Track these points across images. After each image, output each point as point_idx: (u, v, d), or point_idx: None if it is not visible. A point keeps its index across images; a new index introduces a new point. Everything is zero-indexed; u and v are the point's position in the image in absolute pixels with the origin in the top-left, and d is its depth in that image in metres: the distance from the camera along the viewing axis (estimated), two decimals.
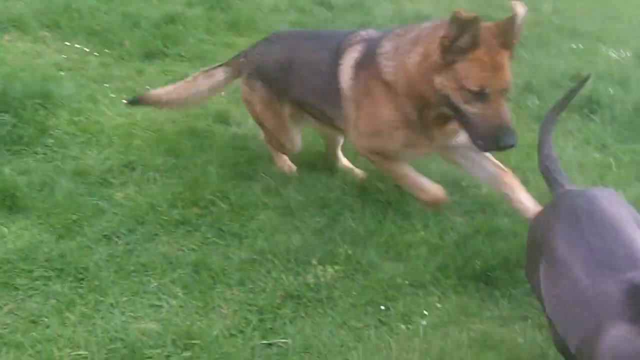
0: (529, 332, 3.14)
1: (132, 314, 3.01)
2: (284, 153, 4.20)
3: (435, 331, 3.11)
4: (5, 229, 3.39)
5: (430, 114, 3.45)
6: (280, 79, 3.92)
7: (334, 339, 3.01)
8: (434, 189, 3.75)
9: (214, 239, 3.58)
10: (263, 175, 4.12)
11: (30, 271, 3.15)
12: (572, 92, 3.45)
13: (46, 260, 3.21)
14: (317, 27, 6.24)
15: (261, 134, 4.29)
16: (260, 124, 4.15)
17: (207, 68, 4.31)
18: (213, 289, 3.23)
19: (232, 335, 2.98)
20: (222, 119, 4.67)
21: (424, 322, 3.16)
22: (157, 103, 4.31)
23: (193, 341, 2.89)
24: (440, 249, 3.67)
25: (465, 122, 3.30)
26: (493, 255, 3.54)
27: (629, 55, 6.71)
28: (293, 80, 3.88)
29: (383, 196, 4.02)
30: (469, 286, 3.41)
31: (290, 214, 3.84)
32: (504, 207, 4.08)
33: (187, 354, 2.84)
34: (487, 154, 3.67)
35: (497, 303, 3.33)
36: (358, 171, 4.26)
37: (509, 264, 3.49)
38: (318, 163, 4.34)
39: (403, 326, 3.13)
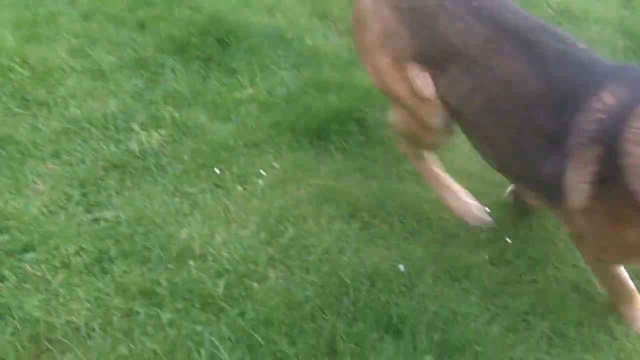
0: (365, 183, 3.22)
1: None
2: (421, 148, 3.03)
3: (274, 190, 3.10)
4: None
5: None
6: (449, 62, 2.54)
7: (167, 208, 2.91)
8: None
9: (18, 109, 3.27)
10: (65, 35, 3.77)
11: None
12: None
13: None
14: None
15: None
16: (386, 90, 2.87)
17: None
18: (24, 164, 2.99)
19: (52, 212, 2.80)
20: None
21: (261, 182, 3.13)
22: None
23: (8, 223, 2.68)
24: (270, 105, 3.61)
25: None
26: (324, 110, 3.54)
27: None
28: (476, 97, 2.51)
29: (204, 52, 3.85)
30: (303, 142, 3.41)
31: (103, 77, 3.59)
32: (330, 58, 4.08)
33: (4, 237, 2.63)
34: None
35: (332, 157, 3.36)
36: None
37: (341, 118, 3.51)
38: (127, 18, 4.04)
39: (240, 188, 3.09)
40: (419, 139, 2.92)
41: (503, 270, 2.86)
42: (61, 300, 2.46)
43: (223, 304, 2.53)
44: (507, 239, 2.99)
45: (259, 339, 2.41)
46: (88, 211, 2.83)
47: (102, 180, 2.98)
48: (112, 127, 3.24)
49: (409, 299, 2.65)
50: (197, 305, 2.51)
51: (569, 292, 2.77)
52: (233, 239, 2.81)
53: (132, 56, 3.73)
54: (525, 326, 2.62)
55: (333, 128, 3.46)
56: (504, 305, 2.69)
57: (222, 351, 2.36)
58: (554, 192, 2.38)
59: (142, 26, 4.05)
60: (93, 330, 2.38)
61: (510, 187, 2.94)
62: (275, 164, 3.25)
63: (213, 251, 2.73)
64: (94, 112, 3.29)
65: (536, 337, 2.58)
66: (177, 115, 3.39)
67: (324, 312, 2.55)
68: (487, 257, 2.90)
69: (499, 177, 3.32)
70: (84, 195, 2.89)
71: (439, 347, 2.45)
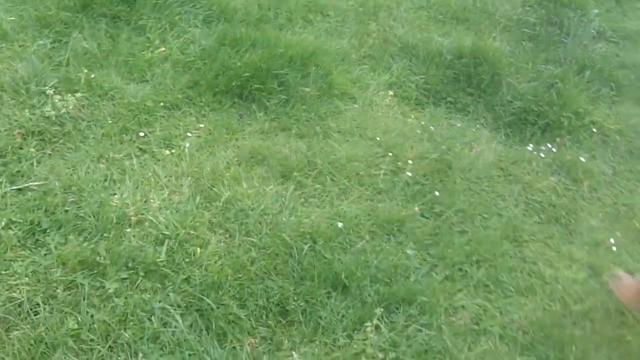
0: (293, 142, 3.28)
1: None
2: None
3: (201, 152, 3.11)
4: None
5: None
6: None
7: (94, 175, 2.86)
8: None
9: None
10: None
11: None
12: None
13: None
14: None
15: None
16: None
17: None
18: None
19: None
20: None
21: (187, 144, 3.13)
22: None
23: None
24: (185, 64, 3.58)
25: None
26: (243, 67, 3.55)
27: None
28: None
29: (110, 9, 3.74)
30: (225, 102, 3.41)
31: (5, 37, 3.43)
32: (240, 14, 4.08)
33: None
34: None
35: (256, 117, 3.39)
36: None
37: (261, 76, 3.53)
38: None
39: (166, 151, 3.07)
40: None
41: (434, 222, 3.02)
42: None
43: (167, 270, 2.54)
44: (435, 192, 3.15)
45: (210, 303, 2.45)
46: (11, 182, 2.74)
47: (21, 148, 2.89)
48: (23, 92, 3.12)
49: (351, 255, 2.75)
50: (141, 273, 2.51)
51: (499, 240, 2.96)
52: (168, 204, 2.81)
53: (34, 15, 3.58)
54: (462, 275, 2.80)
55: (254, 86, 3.48)
56: (440, 255, 2.85)
57: (175, 317, 2.38)
58: None
59: None
60: (37, 305, 2.34)
61: None
62: (200, 125, 3.25)
63: (150, 217, 2.72)
64: (1, 76, 3.16)
65: (474, 285, 2.76)
66: (90, 76, 3.30)
67: (270, 273, 2.62)
68: (418, 211, 3.05)
69: (418, 131, 3.49)
70: (4, 165, 2.79)
71: (386, 300, 2.58)
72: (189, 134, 3.18)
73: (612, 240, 3.10)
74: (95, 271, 2.49)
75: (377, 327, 2.48)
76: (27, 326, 2.27)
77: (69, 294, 2.40)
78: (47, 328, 2.28)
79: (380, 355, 2.40)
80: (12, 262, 2.45)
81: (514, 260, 2.91)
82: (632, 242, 3.13)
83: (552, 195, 3.32)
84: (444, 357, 2.45)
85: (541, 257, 2.96)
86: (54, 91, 3.16)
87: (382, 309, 2.53)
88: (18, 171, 2.80)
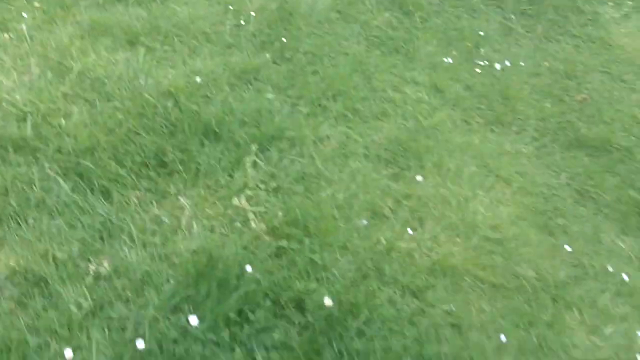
0: (132, 10, 3.35)
1: None
2: None
3: (41, 32, 3.10)
4: None
5: None
6: None
7: None
8: None
9: None
10: None
11: None
12: None
13: None
14: None
15: None
16: None
17: None
18: None
19: None
20: None
21: (25, 26, 3.10)
22: None
23: None
24: None
25: None
26: None
27: None
28: None
29: None
30: None
31: None
32: None
33: None
34: None
35: None
36: None
37: None
38: None
39: (5, 35, 3.04)
40: None
41: (287, 66, 3.22)
42: None
43: (37, 144, 2.58)
44: (282, 39, 3.34)
45: (88, 165, 2.53)
46: None
47: None
48: None
49: (214, 105, 2.91)
50: (10, 150, 2.54)
51: (349, 75, 3.22)
52: (20, 85, 2.81)
53: None
54: (322, 109, 3.03)
55: None
56: (298, 95, 3.07)
57: (57, 181, 2.45)
58: None
59: None
60: None
61: None
62: (34, 6, 3.22)
63: (6, 97, 2.72)
64: None
65: (334, 116, 3.00)
66: None
67: (140, 132, 2.72)
68: (269, 58, 3.23)
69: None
70: None
71: (257, 139, 2.77)
72: (24, 16, 3.15)
73: (448, 60, 3.44)
74: None
75: (254, 163, 2.68)
76: None
77: None
78: None
79: (262, 186, 2.60)
80: None
81: (366, 91, 3.18)
82: (466, 59, 3.49)
83: (389, 29, 3.60)
84: (319, 180, 2.69)
85: (389, 84, 3.24)
86: None
87: (255, 147, 2.72)
88: None
